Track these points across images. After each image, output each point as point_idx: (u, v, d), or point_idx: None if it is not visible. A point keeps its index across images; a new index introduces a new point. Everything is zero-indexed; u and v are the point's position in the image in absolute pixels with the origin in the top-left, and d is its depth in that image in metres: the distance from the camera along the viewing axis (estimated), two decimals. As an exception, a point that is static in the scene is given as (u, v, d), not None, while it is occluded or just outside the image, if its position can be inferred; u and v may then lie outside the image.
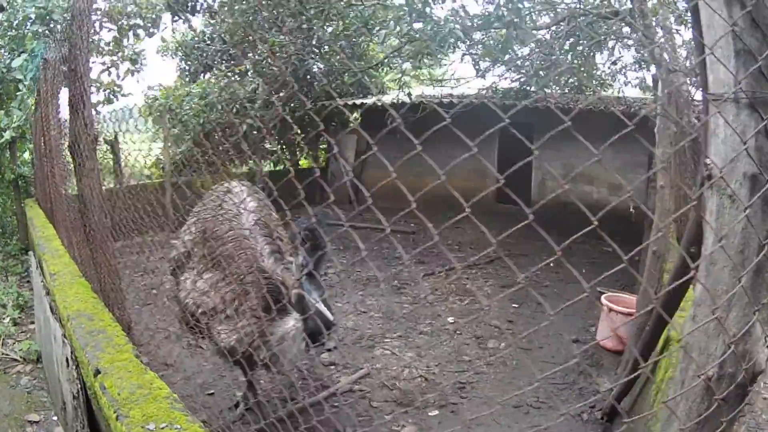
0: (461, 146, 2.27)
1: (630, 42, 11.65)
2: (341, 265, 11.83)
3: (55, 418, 6.20)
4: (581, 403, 6.91)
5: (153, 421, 3.12)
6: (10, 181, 12.16)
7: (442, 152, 2.74)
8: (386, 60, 15.09)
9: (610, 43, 12.05)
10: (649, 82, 12.94)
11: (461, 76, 13.51)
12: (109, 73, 14.19)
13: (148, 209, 6.14)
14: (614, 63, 13.11)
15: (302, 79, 15.82)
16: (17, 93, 11.36)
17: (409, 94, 14.37)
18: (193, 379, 6.94)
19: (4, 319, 8.62)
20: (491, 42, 11.17)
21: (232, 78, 17.62)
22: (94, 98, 12.84)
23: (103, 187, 6.40)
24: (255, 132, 15.19)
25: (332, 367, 7.80)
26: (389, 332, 9.05)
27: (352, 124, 19.87)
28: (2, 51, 12.34)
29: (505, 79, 12.93)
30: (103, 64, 14.07)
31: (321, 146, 20.36)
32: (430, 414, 6.77)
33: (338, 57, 16.01)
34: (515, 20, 9.38)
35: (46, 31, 11.60)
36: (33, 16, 11.87)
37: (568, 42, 11.44)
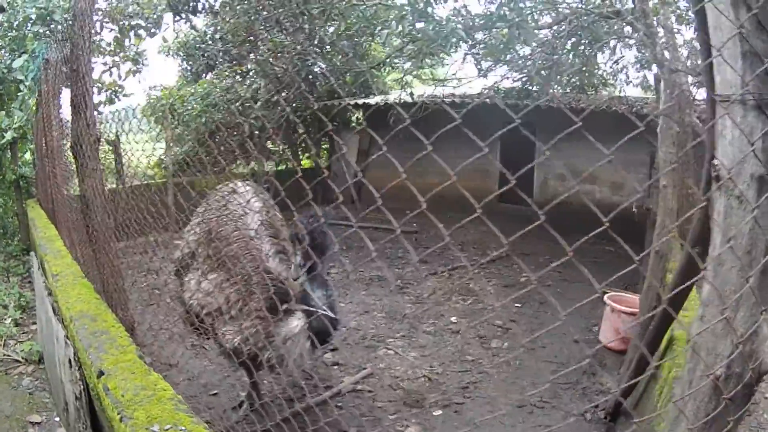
0: (463, 146, 2.28)
1: (631, 42, 11.64)
2: (344, 264, 11.83)
3: (57, 419, 6.18)
4: (585, 402, 6.91)
5: (157, 422, 3.11)
6: (11, 181, 12.14)
7: (443, 152, 2.73)
8: (388, 60, 15.07)
9: (612, 43, 12.05)
10: (651, 81, 12.94)
11: (463, 76, 13.39)
12: (111, 74, 14.21)
13: (151, 209, 6.11)
14: (616, 62, 13.11)
15: (304, 80, 15.82)
16: (18, 93, 11.35)
17: (412, 94, 14.36)
18: (196, 379, 6.94)
19: (5, 320, 8.60)
20: (493, 42, 11.16)
21: (235, 78, 17.63)
22: (95, 99, 12.84)
23: (106, 188, 6.40)
24: (257, 132, 15.20)
25: (336, 367, 7.78)
26: (393, 332, 9.04)
27: (355, 125, 19.90)
28: (3, 52, 12.32)
29: (507, 78, 12.94)
30: (105, 64, 14.09)
31: (323, 146, 20.37)
32: (434, 414, 6.76)
33: (340, 57, 16.01)
34: (517, 20, 9.37)
35: (47, 32, 11.59)
36: (34, 16, 11.87)
37: (570, 42, 11.43)
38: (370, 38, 14.75)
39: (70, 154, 6.44)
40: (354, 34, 14.38)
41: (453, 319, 9.51)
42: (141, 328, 6.90)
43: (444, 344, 8.54)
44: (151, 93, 17.19)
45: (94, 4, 5.94)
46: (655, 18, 7.91)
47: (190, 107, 16.07)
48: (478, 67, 12.06)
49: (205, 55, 18.77)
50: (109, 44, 14.00)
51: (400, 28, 10.87)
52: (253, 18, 14.28)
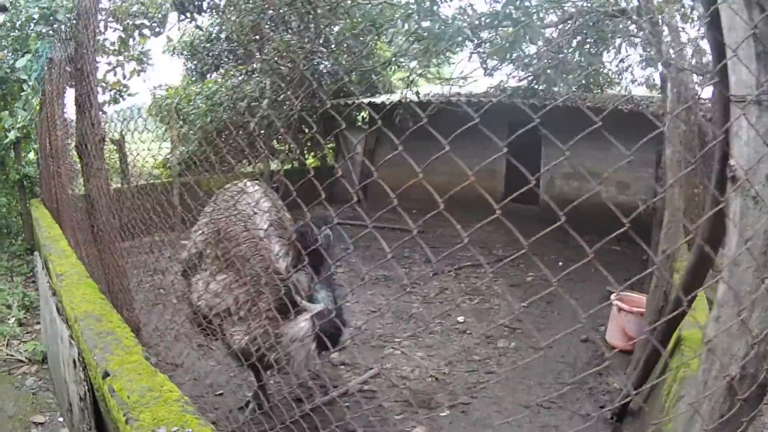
0: (469, 145, 2.26)
1: (636, 40, 11.62)
2: (353, 265, 11.83)
3: (60, 419, 6.16)
4: (591, 402, 6.88)
5: (164, 424, 3.07)
6: (15, 181, 12.16)
7: (450, 151, 2.70)
8: (394, 59, 15.05)
9: (617, 42, 12.03)
10: (656, 80, 12.93)
11: (469, 75, 13.39)
12: (115, 73, 14.22)
13: (157, 209, 6.08)
14: (622, 61, 13.10)
15: (311, 79, 15.81)
16: (21, 93, 11.34)
17: (418, 93, 14.34)
18: (202, 379, 6.91)
19: (9, 319, 8.60)
20: (499, 40, 11.14)
21: (240, 77, 17.62)
22: (100, 98, 12.86)
23: (111, 187, 6.37)
24: (263, 131, 15.20)
25: (342, 366, 7.76)
26: (399, 332, 9.03)
27: (361, 124, 19.87)
28: (5, 52, 12.32)
29: (513, 77, 12.93)
30: (109, 64, 14.10)
31: (329, 145, 20.36)
32: (440, 414, 6.73)
33: (346, 56, 16.00)
34: (523, 18, 9.35)
35: (50, 32, 11.58)
36: (36, 16, 11.86)
37: (575, 40, 11.42)
38: (376, 37, 14.72)
39: (75, 154, 6.41)
40: (359, 33, 14.35)
41: (460, 318, 9.49)
42: (147, 329, 6.86)
43: (450, 344, 8.52)
44: (156, 92, 17.22)
45: (99, 3, 5.91)
46: (659, 16, 7.89)
47: (195, 107, 16.07)
48: (484, 65, 12.05)
49: (211, 54, 18.78)
50: (113, 44, 14.01)
51: (406, 26, 10.86)
52: (258, 17, 14.27)
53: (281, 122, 14.85)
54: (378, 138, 18.46)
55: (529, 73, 12.12)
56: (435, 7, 9.99)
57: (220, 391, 6.87)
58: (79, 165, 6.30)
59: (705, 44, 8.66)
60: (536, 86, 12.33)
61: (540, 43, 10.82)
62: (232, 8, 14.94)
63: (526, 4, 9.64)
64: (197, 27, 17.57)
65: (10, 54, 12.16)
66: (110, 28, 13.65)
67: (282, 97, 15.35)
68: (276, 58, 14.95)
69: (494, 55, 11.37)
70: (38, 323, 8.45)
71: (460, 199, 2.59)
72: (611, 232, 2.17)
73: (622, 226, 2.18)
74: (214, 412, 6.14)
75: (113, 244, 5.85)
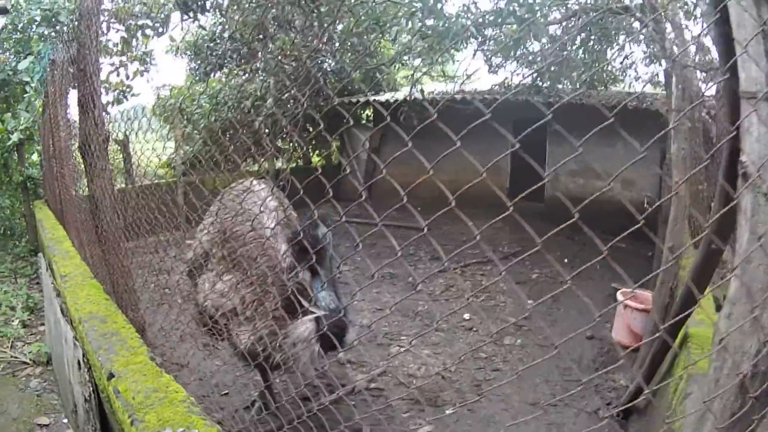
0: (473, 142, 2.23)
1: (640, 37, 11.61)
2: (360, 263, 11.82)
3: (65, 420, 6.14)
4: (597, 400, 6.86)
5: (169, 425, 3.05)
6: (18, 183, 12.15)
7: (451, 146, 2.68)
8: (398, 57, 15.03)
9: (621, 39, 12.01)
10: (660, 77, 12.90)
11: (473, 72, 13.45)
12: (118, 74, 14.22)
13: (162, 209, 6.07)
14: (626, 58, 13.08)
15: (316, 77, 15.81)
16: (24, 95, 11.35)
17: (422, 91, 14.33)
18: (207, 379, 6.90)
19: (13, 321, 8.59)
20: (503, 38, 11.13)
21: (243, 77, 17.63)
22: (103, 99, 12.85)
23: (115, 188, 6.36)
24: (267, 130, 15.19)
25: (349, 365, 7.74)
26: (405, 329, 9.03)
27: (365, 122, 19.86)
28: (7, 54, 12.32)
29: (518, 75, 12.92)
30: (112, 64, 14.10)
31: (334, 144, 20.36)
32: (447, 412, 6.73)
33: (350, 55, 16.00)
34: (527, 16, 9.33)
35: (53, 33, 11.58)
36: (38, 18, 11.86)
37: (579, 37, 11.40)
38: (380, 35, 14.70)
39: (78, 154, 6.40)
40: (363, 32, 14.35)
41: (466, 316, 9.47)
42: (152, 329, 6.86)
43: (457, 341, 8.51)
44: (160, 92, 17.23)
45: (101, 3, 5.89)
46: (663, 13, 7.87)
47: (199, 106, 16.08)
48: (488, 63, 12.05)
49: (214, 53, 18.78)
50: (116, 44, 14.00)
51: (410, 24, 10.84)
52: (262, 15, 14.26)
53: (286, 121, 14.85)
54: (383, 136, 18.45)
55: (534, 71, 12.10)
56: (439, 5, 9.97)
57: (226, 391, 6.86)
58: (82, 165, 6.29)
59: (708, 42, 8.64)
60: (540, 83, 12.31)
61: (544, 40, 10.81)
62: (235, 7, 14.93)
63: (530, 1, 9.61)
64: (200, 26, 17.57)
65: (12, 56, 12.17)
66: (113, 28, 13.66)
67: (286, 96, 15.36)
68: (280, 57, 14.94)
69: (498, 53, 11.36)
70: (42, 325, 8.44)
71: (466, 197, 2.56)
72: (616, 228, 2.15)
73: (626, 222, 2.16)
74: (219, 411, 6.13)
75: (117, 244, 5.84)
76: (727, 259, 6.00)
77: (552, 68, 11.45)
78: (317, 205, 3.37)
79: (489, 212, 2.58)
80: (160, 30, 14.50)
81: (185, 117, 16.11)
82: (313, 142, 19.58)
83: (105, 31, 13.31)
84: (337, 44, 15.80)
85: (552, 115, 2.23)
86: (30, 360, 7.50)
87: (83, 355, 4.40)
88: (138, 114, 6.33)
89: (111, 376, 3.70)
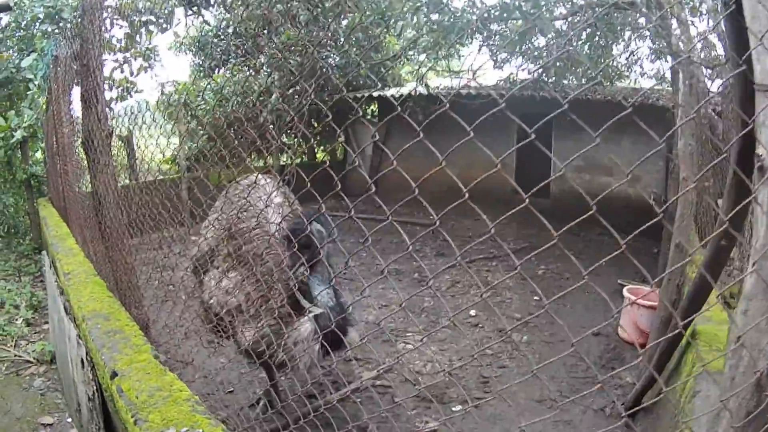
0: (477, 138, 2.19)
1: (646, 33, 11.58)
2: (360, 257, 11.79)
3: (69, 419, 6.12)
4: (604, 397, 6.83)
5: (173, 425, 3.01)
6: (22, 180, 12.13)
7: (456, 141, 2.64)
8: (403, 52, 15.01)
9: (626, 34, 11.99)
10: (666, 73, 12.87)
11: (478, 67, 13.46)
12: (122, 70, 14.18)
13: (166, 204, 6.04)
14: (632, 53, 13.05)
15: (322, 72, 15.78)
16: (28, 92, 11.33)
17: (427, 86, 14.30)
18: (212, 377, 6.87)
19: (17, 320, 8.57)
20: (509, 33, 11.11)
21: (248, 72, 17.62)
22: (107, 95, 12.84)
23: (119, 184, 6.33)
24: (272, 125, 15.17)
25: (354, 362, 7.72)
26: (411, 326, 9.00)
27: (371, 117, 19.82)
28: (11, 51, 12.31)
29: (523, 70, 12.91)
30: (116, 61, 14.05)
31: (339, 139, 20.32)
32: (453, 409, 6.72)
33: (355, 50, 15.97)
34: (533, 11, 9.31)
35: (56, 30, 11.56)
36: (42, 15, 11.86)
37: (585, 33, 11.38)
38: (385, 30, 14.69)
39: (82, 151, 6.38)
40: (368, 27, 14.31)
41: (472, 312, 9.45)
42: (156, 326, 6.84)
43: (463, 338, 8.48)
44: (164, 88, 17.20)
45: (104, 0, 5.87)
46: (668, 9, 7.85)
47: (203, 102, 16.06)
48: (494, 58, 12.02)
49: (219, 49, 18.77)
50: (119, 41, 13.97)
51: (415, 19, 10.81)
52: (267, 9, 14.23)
53: (291, 115, 14.84)
54: (388, 131, 18.42)
55: (539, 66, 12.08)
56: (444, 0, 9.95)
57: (231, 389, 6.84)
58: (85, 162, 6.26)
59: (714, 38, 8.61)
60: (546, 79, 12.28)
61: (550, 35, 10.78)
62: (239, 2, 14.92)
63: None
64: (205, 22, 17.55)
65: (15, 54, 12.16)
66: (116, 25, 13.61)
67: (291, 91, 15.35)
68: (285, 52, 14.92)
69: (504, 48, 11.34)
70: (46, 323, 8.43)
71: (472, 193, 2.52)
72: (622, 224, 2.11)
73: (632, 218, 2.13)
74: (224, 410, 6.11)
75: (121, 240, 5.82)
76: (733, 256, 5.96)
77: (558, 64, 11.42)
78: (324, 199, 3.33)
79: (494, 208, 2.55)
80: (164, 26, 14.46)
81: (189, 112, 16.09)
82: (318, 138, 19.56)
83: (108, 28, 13.26)
84: (342, 39, 15.78)
85: (558, 106, 2.19)
86: (34, 359, 7.48)
87: (86, 354, 4.37)
88: (142, 108, 6.31)
89: (114, 374, 3.67)
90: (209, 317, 5.71)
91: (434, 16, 10.34)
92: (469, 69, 12.79)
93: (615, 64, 13.87)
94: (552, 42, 11.16)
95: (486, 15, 10.04)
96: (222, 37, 18.57)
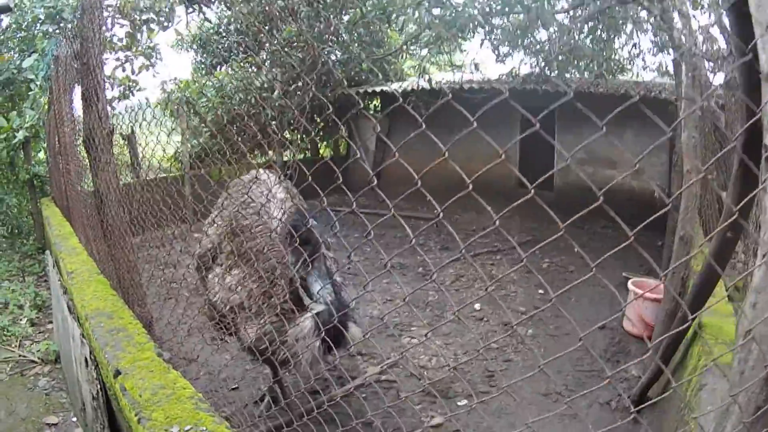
0: (480, 130, 2.18)
1: (647, 26, 11.57)
2: (364, 252, 11.79)
3: (74, 419, 6.12)
4: (609, 390, 6.81)
5: (177, 423, 3.00)
6: (24, 181, 12.14)
7: (457, 135, 2.63)
8: (405, 47, 15.01)
9: (628, 28, 11.97)
10: (668, 66, 12.86)
11: (481, 61, 13.47)
12: (124, 69, 14.20)
13: (167, 202, 6.03)
14: (634, 46, 13.03)
15: (321, 67, 15.79)
16: (29, 93, 11.34)
17: (430, 81, 14.29)
18: (217, 374, 6.86)
19: (21, 320, 8.58)
20: (510, 27, 11.10)
21: (250, 69, 17.62)
22: (109, 94, 12.88)
23: (121, 182, 6.33)
24: (274, 121, 15.17)
25: (359, 357, 7.71)
26: (416, 320, 9.01)
27: (373, 112, 19.81)
28: (12, 53, 12.32)
29: (525, 64, 12.91)
30: (118, 60, 14.06)
31: (340, 133, 20.32)
32: (458, 403, 6.73)
33: (357, 45, 15.98)
34: (535, 4, 9.30)
35: (57, 30, 11.57)
36: (42, 16, 11.88)
37: (586, 26, 11.36)
38: (387, 25, 14.69)
39: (83, 149, 6.38)
40: (370, 22, 14.31)
41: (477, 306, 9.44)
42: (159, 324, 6.83)
43: (468, 332, 8.47)
44: (166, 87, 17.20)
45: (104, -1, 5.88)
46: (670, 2, 7.84)
47: (206, 99, 16.06)
48: (496, 52, 12.01)
49: (221, 46, 18.78)
50: (121, 39, 13.97)
51: (416, 14, 10.82)
52: (267, 6, 14.23)
53: (293, 111, 14.83)
54: (391, 126, 18.41)
55: (541, 60, 12.08)
56: (446, -6, 9.96)
57: (236, 385, 6.83)
58: (86, 160, 6.26)
59: (716, 32, 8.59)
60: (548, 72, 12.27)
61: (551, 29, 10.77)
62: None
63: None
64: (206, 19, 17.54)
65: (17, 55, 12.17)
66: (117, 23, 13.62)
67: (293, 87, 15.36)
68: (286, 48, 14.92)
69: (506, 42, 11.34)
70: (51, 322, 8.43)
71: (475, 186, 2.50)
72: (626, 217, 2.09)
73: (635, 210, 2.11)
74: (229, 407, 6.12)
75: (123, 238, 5.81)
76: (737, 249, 5.94)
77: (560, 57, 11.41)
78: (325, 192, 3.31)
79: (498, 202, 2.53)
80: (166, 24, 14.46)
81: (191, 110, 16.09)
82: (321, 133, 19.55)
83: (110, 27, 13.28)
84: (344, 35, 15.78)
85: (562, 103, 2.17)
86: (38, 358, 7.49)
87: (90, 352, 4.37)
88: (143, 105, 6.31)
89: (117, 373, 3.66)
90: (213, 315, 5.70)
91: (436, 11, 10.34)
92: (472, 62, 12.79)
93: (617, 57, 13.87)
94: (554, 36, 11.15)
95: (487, 9, 10.03)
96: (224, 34, 18.57)
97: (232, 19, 17.36)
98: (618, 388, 6.86)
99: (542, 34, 11.61)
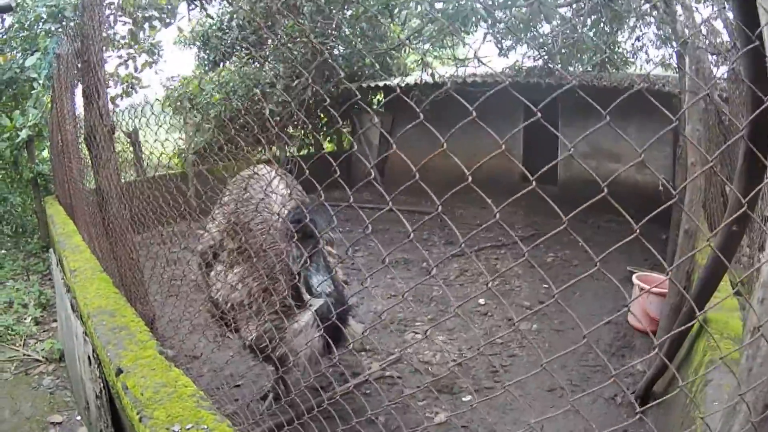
0: (483, 125, 2.17)
1: (651, 19, 11.56)
2: (368, 248, 11.78)
3: (78, 417, 6.12)
4: (614, 386, 6.78)
5: (178, 421, 3.00)
6: (28, 179, 12.15)
7: (464, 132, 2.61)
8: (408, 41, 15.00)
9: (631, 21, 11.96)
10: (670, 59, 12.85)
11: (484, 55, 13.48)
12: (127, 66, 14.19)
13: (168, 198, 6.02)
14: (638, 39, 13.03)
15: (323, 63, 15.79)
16: (32, 92, 11.34)
17: (434, 75, 14.28)
18: (220, 371, 6.85)
19: (25, 319, 8.58)
20: (513, 20, 11.09)
21: (252, 65, 17.62)
22: (112, 92, 12.92)
23: (125, 180, 6.33)
24: (278, 117, 15.16)
25: (363, 353, 7.69)
26: (420, 315, 9.00)
27: (376, 107, 19.79)
28: (14, 52, 12.33)
29: (529, 57, 12.90)
30: (120, 57, 14.06)
31: (345, 129, 20.31)
32: (463, 399, 6.72)
33: (359, 39, 15.97)
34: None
35: (59, 29, 11.57)
36: (45, 15, 11.87)
37: (590, 19, 11.34)
38: (389, 20, 14.68)
39: (85, 147, 6.38)
40: (372, 17, 14.30)
41: (481, 301, 9.42)
42: (162, 321, 6.83)
43: (472, 327, 8.45)
44: (169, 84, 17.20)
45: (105, -5, 5.88)
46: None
47: (209, 96, 16.05)
48: (499, 46, 12.00)
49: (223, 43, 18.78)
50: (123, 37, 13.97)
51: (419, 8, 10.81)
52: (270, 3, 14.23)
53: (296, 106, 14.83)
54: (394, 121, 18.40)
55: (544, 53, 12.07)
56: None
57: (240, 382, 6.81)
58: (88, 158, 6.26)
59: (719, 25, 8.58)
60: (551, 65, 12.26)
61: (555, 22, 10.76)
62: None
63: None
64: (208, 16, 17.55)
65: (19, 54, 12.18)
66: (120, 21, 13.63)
67: (296, 82, 15.35)
68: (289, 44, 14.92)
69: (509, 35, 11.34)
70: (55, 321, 8.43)
71: (479, 182, 2.48)
72: (630, 211, 2.08)
73: (639, 203, 2.09)
74: (233, 404, 6.09)
75: (125, 235, 5.82)
76: (742, 244, 5.91)
77: (563, 51, 11.39)
78: (322, 186, 3.29)
79: (502, 196, 2.51)
80: (168, 21, 14.46)
81: (194, 106, 16.07)
82: (324, 129, 19.54)
83: (112, 24, 13.30)
84: (347, 30, 15.77)
85: (562, 98, 2.16)
86: (43, 357, 7.48)
87: (93, 351, 4.38)
88: (146, 100, 6.31)
89: (119, 371, 3.67)
90: (214, 312, 5.70)
91: (438, 5, 10.34)
92: (475, 55, 12.81)
93: (620, 50, 13.85)
94: (557, 29, 11.14)
95: (490, 2, 10.02)
96: (226, 30, 18.57)
97: (234, 15, 17.34)
98: (623, 385, 6.84)
99: (545, 28, 11.61)
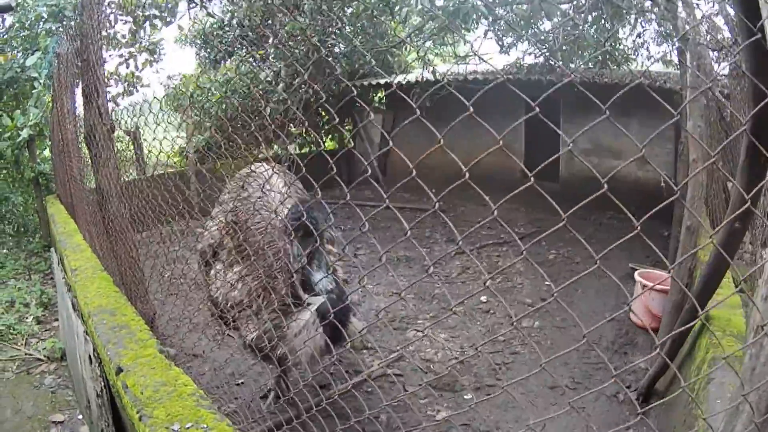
0: (483, 121, 2.16)
1: (651, 16, 11.53)
2: (370, 245, 11.78)
3: (80, 416, 6.12)
4: (616, 383, 6.77)
5: (178, 420, 3.00)
6: (29, 179, 12.16)
7: (465, 129, 2.60)
8: (408, 39, 14.98)
9: (632, 17, 11.94)
10: (671, 56, 12.84)
11: (485, 53, 13.45)
12: (127, 65, 14.19)
13: (168, 197, 6.01)
14: (639, 36, 13.01)
15: (324, 61, 15.78)
16: (33, 91, 11.34)
17: (434, 72, 14.27)
18: (222, 369, 6.84)
19: (27, 318, 8.58)
20: (514, 17, 11.07)
21: (254, 63, 17.60)
22: (113, 91, 12.93)
23: (126, 179, 6.33)
24: (279, 115, 15.15)
25: (364, 351, 7.68)
26: (422, 313, 8.99)
27: (378, 105, 19.77)
28: (15, 51, 12.33)
29: (530, 54, 12.89)
30: (121, 56, 14.06)
31: (346, 127, 20.29)
32: (465, 397, 6.71)
33: (360, 37, 15.95)
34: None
35: (59, 28, 11.58)
36: (45, 14, 11.87)
37: (590, 16, 11.33)
38: (390, 17, 14.65)
39: (84, 146, 6.38)
40: (372, 14, 14.29)
41: (483, 298, 9.40)
42: (162, 320, 6.83)
43: (474, 325, 8.44)
44: (170, 82, 17.20)
45: (105, -7, 5.88)
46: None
47: (210, 94, 16.04)
48: (500, 43, 11.99)
49: (224, 41, 18.77)
50: (124, 36, 13.97)
51: (419, 6, 10.80)
52: (270, 1, 14.22)
53: (296, 104, 14.82)
54: (395, 119, 18.39)
55: (545, 50, 12.05)
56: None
57: (241, 380, 6.82)
58: (88, 157, 6.26)
59: (720, 21, 8.56)
60: (552, 63, 12.24)
61: (556, 19, 10.74)
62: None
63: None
64: (209, 14, 17.53)
65: (20, 53, 12.18)
66: (120, 20, 13.62)
67: (297, 81, 15.33)
68: (290, 42, 14.91)
69: (510, 32, 11.32)
70: (57, 320, 8.44)
71: (480, 179, 2.48)
72: (631, 208, 2.07)
73: (640, 200, 2.09)
74: (234, 402, 6.10)
75: (124, 234, 5.82)
76: (744, 240, 5.90)
77: (564, 48, 11.38)
78: (319, 183, 3.28)
79: (502, 194, 2.51)
80: (168, 19, 14.45)
81: (195, 105, 16.06)
82: (326, 127, 19.52)
83: (112, 23, 13.29)
84: (347, 28, 15.76)
85: (563, 95, 2.15)
86: (44, 356, 7.49)
87: (93, 350, 4.38)
88: (147, 98, 6.31)
89: (120, 370, 3.67)
90: (214, 311, 5.69)
91: (439, 2, 10.33)
92: (475, 52, 12.79)
93: (621, 47, 13.84)
94: (558, 26, 11.13)
95: (491, -1, 10.01)
96: (227, 28, 18.57)
97: (234, 14, 17.32)
98: (625, 382, 6.83)
99: (546, 24, 11.58)
